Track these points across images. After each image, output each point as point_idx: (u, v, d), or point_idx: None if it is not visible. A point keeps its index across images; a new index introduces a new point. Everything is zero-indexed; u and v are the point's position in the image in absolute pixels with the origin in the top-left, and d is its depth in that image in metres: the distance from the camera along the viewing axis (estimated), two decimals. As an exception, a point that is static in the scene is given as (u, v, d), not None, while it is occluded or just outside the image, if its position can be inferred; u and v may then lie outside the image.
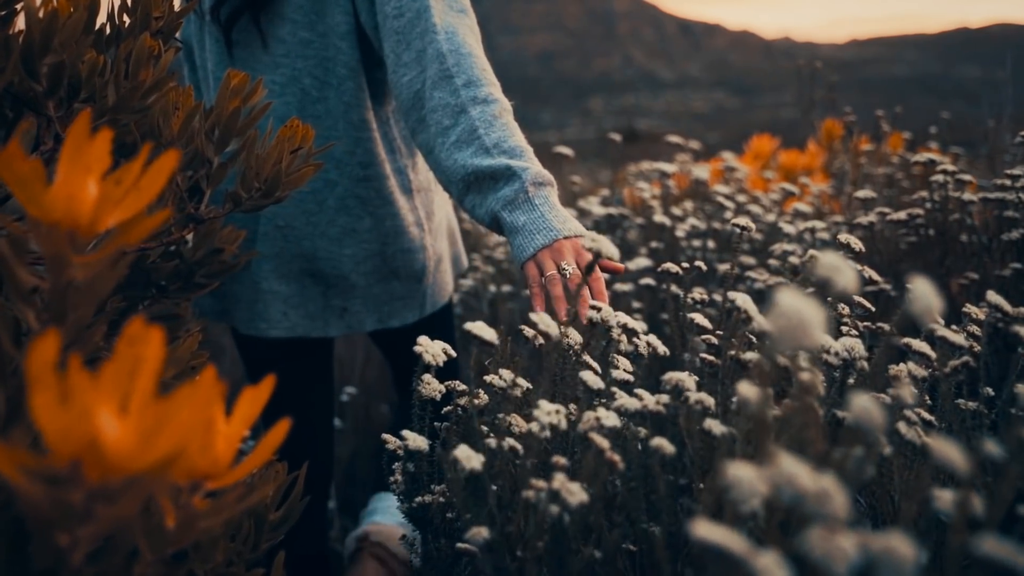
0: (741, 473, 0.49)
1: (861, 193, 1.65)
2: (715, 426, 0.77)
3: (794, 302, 0.45)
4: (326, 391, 1.68)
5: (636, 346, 0.93)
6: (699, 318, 0.88)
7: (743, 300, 0.80)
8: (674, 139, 2.91)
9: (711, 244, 2.22)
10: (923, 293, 0.52)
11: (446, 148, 1.19)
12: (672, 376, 0.78)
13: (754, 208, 2.34)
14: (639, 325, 1.07)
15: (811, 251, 1.45)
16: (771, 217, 2.35)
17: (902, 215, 1.63)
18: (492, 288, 2.48)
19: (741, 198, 2.45)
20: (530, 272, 1.11)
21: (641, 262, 2.09)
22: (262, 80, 1.07)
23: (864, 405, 0.48)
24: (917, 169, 2.79)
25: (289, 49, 1.42)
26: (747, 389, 0.71)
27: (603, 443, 0.74)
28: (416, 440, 0.85)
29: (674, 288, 1.68)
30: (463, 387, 0.93)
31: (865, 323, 1.27)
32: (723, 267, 2.03)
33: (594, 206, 2.56)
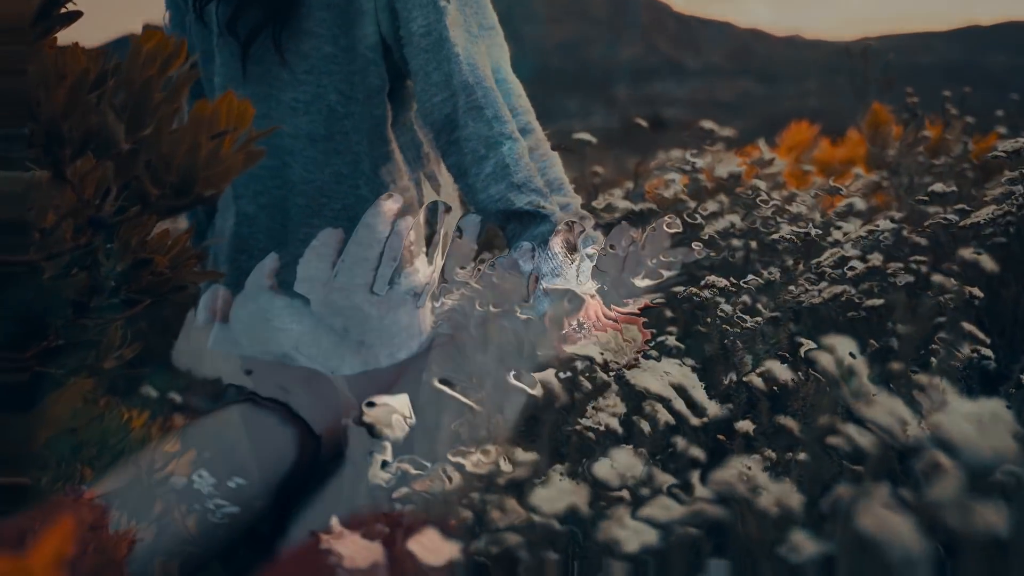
0: None
1: (938, 186, 1.37)
2: (804, 543, 0.51)
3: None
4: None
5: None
6: (778, 368, 0.62)
7: (844, 346, 0.54)
8: (707, 125, 2.63)
9: (753, 244, 1.94)
10: None
11: (481, 179, 1.24)
12: (720, 476, 0.53)
13: (797, 206, 2.06)
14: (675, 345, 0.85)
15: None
16: (818, 215, 2.06)
17: (987, 213, 1.36)
18: (478, 307, 2.19)
19: (782, 192, 2.17)
20: None
21: (671, 265, 1.82)
22: (184, 46, 0.82)
23: None
24: (975, 157, 2.48)
25: (312, 65, 1.31)
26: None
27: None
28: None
29: (716, 297, 1.42)
30: (425, 464, 0.69)
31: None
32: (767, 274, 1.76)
33: (618, 200, 2.28)
